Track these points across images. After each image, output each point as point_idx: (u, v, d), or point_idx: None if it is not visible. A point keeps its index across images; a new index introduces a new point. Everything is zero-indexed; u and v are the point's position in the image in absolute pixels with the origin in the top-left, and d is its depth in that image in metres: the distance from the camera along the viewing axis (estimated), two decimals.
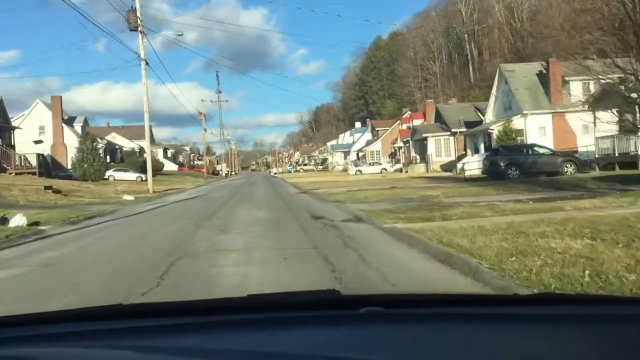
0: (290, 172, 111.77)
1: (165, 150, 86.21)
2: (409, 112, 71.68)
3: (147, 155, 31.93)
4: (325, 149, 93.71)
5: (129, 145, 77.41)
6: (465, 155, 45.56)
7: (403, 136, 61.22)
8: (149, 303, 2.18)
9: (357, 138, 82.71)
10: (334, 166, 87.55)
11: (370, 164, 57.08)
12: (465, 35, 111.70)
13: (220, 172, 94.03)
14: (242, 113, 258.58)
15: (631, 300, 2.10)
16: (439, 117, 50.75)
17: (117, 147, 68.26)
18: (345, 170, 79.33)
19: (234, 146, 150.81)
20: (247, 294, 1.73)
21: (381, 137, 71.02)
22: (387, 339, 1.39)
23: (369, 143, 74.01)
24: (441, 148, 47.23)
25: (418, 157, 51.76)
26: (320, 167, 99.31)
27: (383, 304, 1.63)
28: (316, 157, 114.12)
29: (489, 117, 39.82)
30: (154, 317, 1.63)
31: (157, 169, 68.19)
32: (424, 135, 47.07)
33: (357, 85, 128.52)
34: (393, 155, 65.98)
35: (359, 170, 54.60)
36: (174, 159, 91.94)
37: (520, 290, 4.32)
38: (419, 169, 48.58)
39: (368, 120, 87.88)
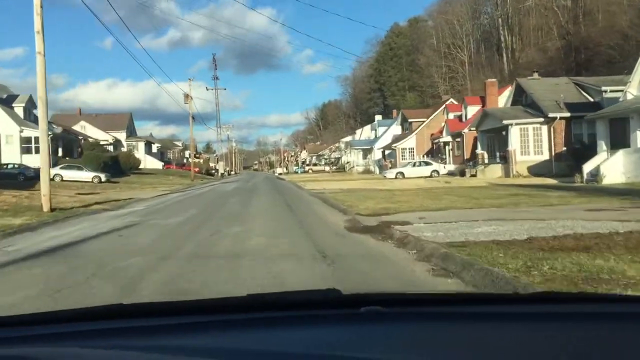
0: (297, 172, 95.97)
1: (148, 144, 70.51)
2: (452, 100, 55.94)
3: (41, 138, 16.00)
4: (337, 147, 78.18)
5: (102, 136, 61.92)
6: (566, 151, 29.92)
7: (452, 128, 45.52)
8: (149, 303, 1.94)
9: (382, 132, 66.76)
10: (352, 167, 71.63)
11: (416, 165, 41.02)
12: (499, 19, 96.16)
13: (216, 172, 78.38)
14: (246, 112, 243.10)
15: (632, 298, 1.96)
16: (519, 98, 35.03)
17: (80, 137, 52.52)
18: (367, 171, 63.57)
19: (234, 143, 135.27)
20: (247, 293, 1.68)
21: (416, 131, 55.32)
22: (387, 338, 1.37)
23: (398, 139, 58.29)
24: (528, 141, 31.51)
25: (486, 154, 36.00)
26: (333, 167, 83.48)
27: (383, 303, 1.59)
28: (326, 156, 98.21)
29: (632, 90, 24.03)
30: (154, 317, 1.58)
31: (132, 166, 52.56)
32: (505, 122, 31.29)
33: (372, 77, 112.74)
34: (434, 153, 50.26)
35: (401, 173, 38.64)
36: (161, 155, 76.33)
37: None
38: (493, 171, 32.87)
39: (395, 110, 72.14)
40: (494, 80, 43.27)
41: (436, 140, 48.29)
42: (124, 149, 65.28)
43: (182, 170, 68.87)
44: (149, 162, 66.61)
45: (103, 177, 39.64)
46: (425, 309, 1.64)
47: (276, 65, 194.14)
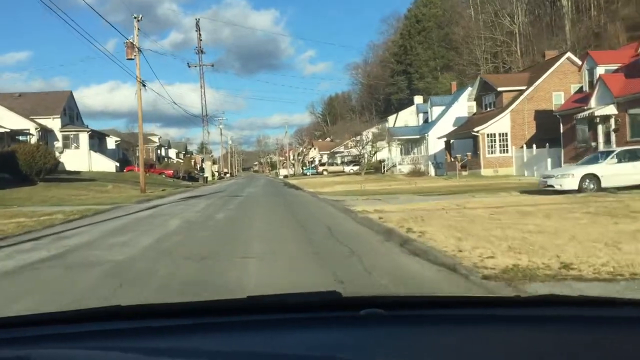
0: (306, 174, 73.66)
1: (97, 137, 48.05)
2: (570, 55, 33.82)
3: None
4: (358, 141, 56.14)
5: (20, 124, 39.76)
6: None
7: (619, 90, 23.46)
8: (148, 304, 1.87)
9: (437, 115, 44.33)
10: (392, 166, 49.29)
11: (623, 158, 17.62)
12: None
13: (199, 175, 55.98)
14: (247, 113, 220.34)
15: (632, 302, 1.88)
16: None
17: None
18: (417, 172, 41.22)
19: (230, 140, 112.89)
20: (247, 295, 1.61)
21: (511, 107, 33.21)
22: (387, 341, 1.34)
23: (476, 120, 36.06)
24: None
25: None
26: (356, 168, 61.22)
27: (383, 305, 1.53)
28: (343, 154, 75.78)
29: None
30: (153, 319, 1.53)
31: (43, 169, 30.27)
32: None
33: (395, 56, 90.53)
34: (563, 139, 28.09)
35: (592, 178, 15.61)
36: (123, 154, 53.93)
37: None
38: None
39: (457, 81, 49.90)
40: None
41: (580, 115, 25.85)
42: (58, 143, 43.04)
43: (146, 174, 46.52)
44: (98, 162, 44.41)
45: None
46: (426, 311, 1.58)
47: (278, 63, 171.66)
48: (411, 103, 66.18)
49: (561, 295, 1.68)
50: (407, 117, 55.92)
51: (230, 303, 1.72)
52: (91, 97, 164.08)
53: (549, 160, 29.32)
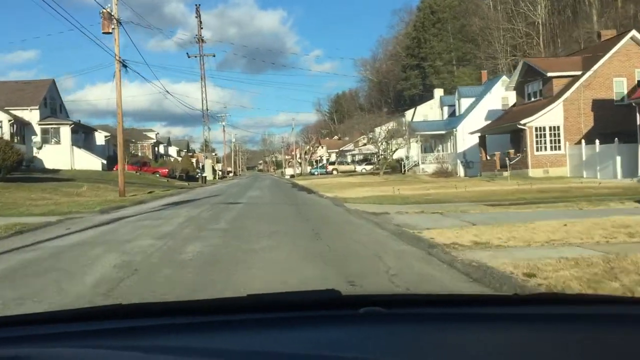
0: (314, 174, 68.01)
1: (83, 131, 42.49)
2: (635, 33, 28.03)
3: None
4: (371, 138, 50.34)
5: None
6: None
7: None
8: (149, 303, 1.92)
9: (467, 107, 38.51)
10: (415, 165, 43.44)
11: None
12: None
13: (199, 174, 50.36)
14: (253, 113, 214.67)
15: (629, 300, 1.89)
16: None
17: None
18: (444, 172, 35.59)
19: (233, 138, 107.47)
20: (247, 293, 1.57)
21: (564, 96, 27.53)
22: (386, 339, 1.32)
23: (502, 117, 30.37)
24: None
25: None
26: (369, 167, 55.54)
27: (383, 304, 1.52)
28: (354, 152, 70.00)
29: None
30: (153, 317, 1.52)
31: (3, 166, 24.82)
32: None
33: (408, 50, 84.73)
34: (616, 135, 22.38)
35: None
36: (113, 151, 48.36)
37: None
38: None
39: (487, 72, 44.22)
40: None
41: None
42: (36, 137, 37.58)
43: (136, 173, 41.00)
44: (82, 159, 38.91)
45: None
46: (425, 310, 1.56)
47: (284, 61, 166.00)
48: (426, 98, 60.47)
49: (560, 294, 1.62)
50: (427, 112, 50.20)
51: (230, 301, 1.67)
52: (91, 96, 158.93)
53: (619, 158, 23.67)
